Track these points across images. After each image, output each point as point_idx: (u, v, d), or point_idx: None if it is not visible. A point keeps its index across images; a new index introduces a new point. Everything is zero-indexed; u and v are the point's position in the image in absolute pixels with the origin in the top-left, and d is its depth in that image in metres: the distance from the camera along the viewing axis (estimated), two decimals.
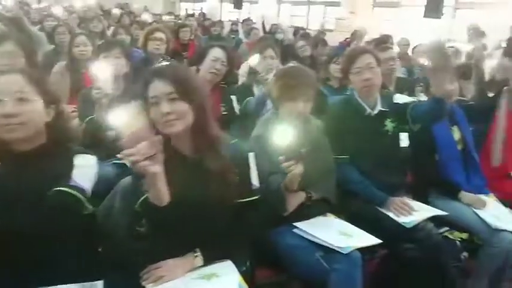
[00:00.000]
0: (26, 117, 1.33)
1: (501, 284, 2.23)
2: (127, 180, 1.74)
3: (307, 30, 9.33)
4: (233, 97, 2.80)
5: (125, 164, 2.19)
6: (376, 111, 2.21)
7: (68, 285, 1.33)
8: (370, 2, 11.96)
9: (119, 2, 13.61)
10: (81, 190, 1.40)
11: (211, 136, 1.48)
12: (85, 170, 1.44)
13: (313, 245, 1.75)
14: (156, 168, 1.25)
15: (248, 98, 2.79)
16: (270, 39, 5.05)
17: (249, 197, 1.54)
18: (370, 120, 2.19)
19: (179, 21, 7.66)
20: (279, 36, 6.78)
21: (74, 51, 3.13)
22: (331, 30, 11.40)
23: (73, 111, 2.41)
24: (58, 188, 1.36)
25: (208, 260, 1.45)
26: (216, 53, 2.65)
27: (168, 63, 2.86)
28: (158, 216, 1.37)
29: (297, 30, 7.73)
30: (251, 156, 1.55)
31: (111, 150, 2.23)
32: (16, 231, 1.27)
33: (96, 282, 1.34)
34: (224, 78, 2.73)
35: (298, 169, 1.67)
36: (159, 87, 1.40)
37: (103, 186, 1.76)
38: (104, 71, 2.13)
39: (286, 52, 4.94)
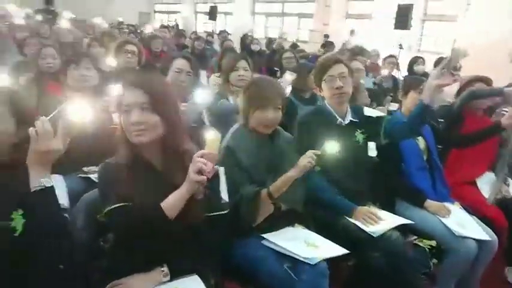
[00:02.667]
0: None
1: None
2: (92, 194, 1.72)
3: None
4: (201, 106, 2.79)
5: (89, 177, 2.17)
6: (346, 121, 2.26)
7: None
8: (342, 14, 12.21)
9: (95, 13, 13.55)
10: (65, 210, 1.40)
11: (181, 150, 1.49)
12: (58, 189, 1.42)
13: (281, 256, 1.76)
14: (203, 180, 1.37)
15: (218, 106, 2.78)
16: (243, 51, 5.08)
17: (218, 211, 1.53)
18: (340, 129, 2.22)
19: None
20: (255, 47, 6.83)
21: (41, 63, 3.08)
22: (305, 42, 11.58)
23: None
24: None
25: (175, 275, 1.44)
26: (180, 64, 2.65)
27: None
28: (124, 224, 1.37)
29: (270, 41, 7.80)
30: (221, 170, 1.55)
31: (76, 164, 2.21)
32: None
33: None
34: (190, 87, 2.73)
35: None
36: (133, 96, 1.41)
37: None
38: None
39: (260, 63, 5.01)
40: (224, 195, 1.55)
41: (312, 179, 2.08)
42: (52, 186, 1.30)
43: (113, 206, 1.38)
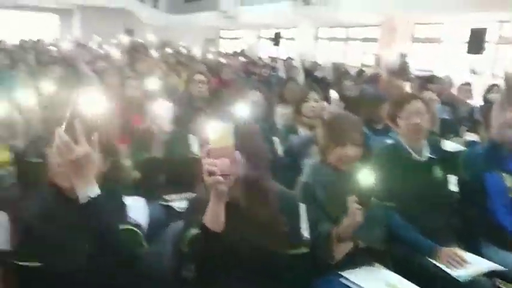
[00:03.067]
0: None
1: None
2: (177, 224, 1.79)
3: (346, 66, 9.44)
4: (275, 138, 2.84)
5: (170, 206, 2.26)
6: (423, 158, 2.19)
7: None
8: (409, 37, 11.94)
9: (163, 39, 14.28)
10: (138, 226, 1.45)
11: (262, 186, 1.51)
12: (137, 210, 1.51)
13: None
14: (224, 188, 1.26)
15: (291, 137, 2.82)
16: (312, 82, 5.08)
17: (298, 248, 1.53)
18: (417, 166, 2.16)
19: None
20: (319, 74, 6.84)
21: (125, 94, 3.28)
22: (369, 66, 11.41)
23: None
24: (125, 227, 1.42)
25: None
26: (255, 96, 2.74)
27: None
28: (209, 249, 1.36)
29: (336, 67, 7.77)
30: (302, 207, 1.56)
31: (160, 191, 2.32)
32: (79, 268, 1.35)
33: None
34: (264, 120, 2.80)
35: (359, 216, 1.66)
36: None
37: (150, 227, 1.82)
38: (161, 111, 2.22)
39: (327, 91, 4.99)
40: (305, 232, 1.56)
41: (391, 217, 2.03)
42: (100, 195, 1.33)
43: (193, 234, 1.41)
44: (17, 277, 1.48)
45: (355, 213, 1.67)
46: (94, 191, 1.33)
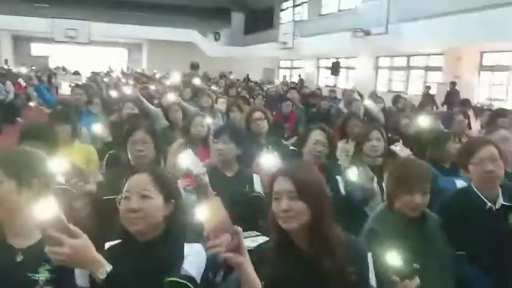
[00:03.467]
0: (147, 212, 1.48)
1: None
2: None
3: (406, 95, 9.18)
4: (338, 177, 2.81)
5: None
6: (497, 206, 2.07)
7: None
8: (476, 66, 11.49)
9: (223, 70, 14.76)
10: (191, 279, 1.46)
11: (328, 235, 1.50)
12: (193, 258, 1.52)
13: None
14: (240, 259, 1.24)
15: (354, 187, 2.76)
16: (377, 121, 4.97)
17: None
18: (490, 215, 2.04)
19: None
20: (379, 106, 6.70)
21: (192, 131, 3.41)
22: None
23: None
24: (170, 279, 1.42)
25: None
26: (317, 135, 2.74)
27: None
28: None
29: (396, 98, 7.58)
30: (369, 255, 1.52)
31: None
32: None
33: None
34: (327, 158, 2.78)
35: (414, 284, 1.59)
36: (281, 184, 1.48)
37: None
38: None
39: (387, 126, 4.88)
40: (373, 282, 1.52)
41: (461, 269, 1.92)
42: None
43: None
44: None
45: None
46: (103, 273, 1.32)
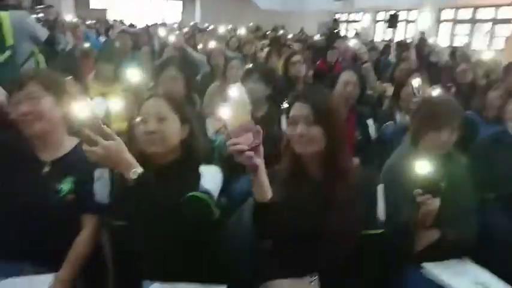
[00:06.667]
0: (165, 133, 1.54)
1: None
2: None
3: (471, 51, 8.57)
4: (369, 121, 2.74)
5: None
6: None
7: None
8: None
9: (277, 23, 14.45)
10: (208, 194, 1.50)
11: (342, 165, 1.49)
12: (210, 176, 1.57)
13: None
14: (258, 160, 1.25)
15: (387, 123, 2.70)
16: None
17: (373, 230, 1.48)
18: None
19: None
20: (433, 59, 6.35)
21: (228, 74, 3.42)
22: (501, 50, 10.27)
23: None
24: (191, 194, 1.48)
25: None
26: (348, 75, 2.66)
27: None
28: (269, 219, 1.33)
29: (453, 51, 7.11)
30: (380, 188, 1.50)
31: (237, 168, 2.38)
32: (152, 234, 1.46)
33: None
34: (358, 100, 2.71)
35: (434, 204, 1.56)
36: (298, 109, 1.48)
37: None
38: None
39: (439, 76, 4.63)
40: (381, 215, 1.50)
41: (489, 213, 1.84)
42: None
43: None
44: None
45: (426, 203, 1.56)
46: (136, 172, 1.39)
